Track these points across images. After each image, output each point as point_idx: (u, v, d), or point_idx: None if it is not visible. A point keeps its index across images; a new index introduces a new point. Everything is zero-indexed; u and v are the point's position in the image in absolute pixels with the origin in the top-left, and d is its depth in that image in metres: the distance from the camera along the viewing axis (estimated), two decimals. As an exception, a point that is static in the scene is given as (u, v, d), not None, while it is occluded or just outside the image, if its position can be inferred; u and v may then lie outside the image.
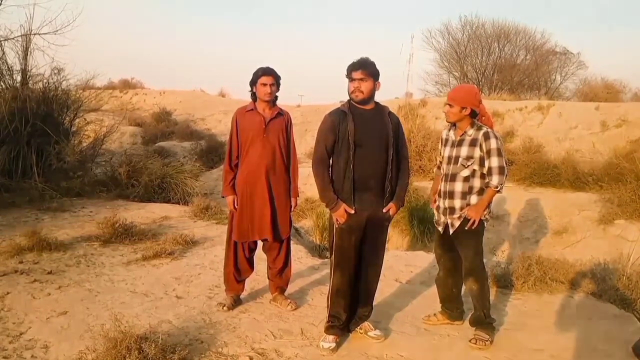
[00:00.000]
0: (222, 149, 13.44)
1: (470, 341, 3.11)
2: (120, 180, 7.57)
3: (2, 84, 7.45)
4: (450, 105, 3.15)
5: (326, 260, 4.92)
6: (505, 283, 4.14)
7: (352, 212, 2.96)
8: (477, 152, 3.10)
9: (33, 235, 4.77)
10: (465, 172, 3.14)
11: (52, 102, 7.54)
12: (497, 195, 3.18)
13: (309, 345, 3.09)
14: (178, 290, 3.99)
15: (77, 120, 8.21)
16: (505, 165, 3.07)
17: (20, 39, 7.45)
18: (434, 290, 3.59)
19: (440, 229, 3.30)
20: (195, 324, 3.34)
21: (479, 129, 3.13)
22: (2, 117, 6.81)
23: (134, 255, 4.80)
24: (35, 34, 7.49)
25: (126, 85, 25.22)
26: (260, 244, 3.70)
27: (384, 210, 3.04)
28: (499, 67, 22.25)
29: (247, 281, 3.79)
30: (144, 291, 3.95)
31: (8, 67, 7.46)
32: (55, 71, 7.71)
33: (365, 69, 2.96)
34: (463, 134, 3.17)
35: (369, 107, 3.05)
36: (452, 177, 3.18)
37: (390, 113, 3.11)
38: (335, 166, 3.03)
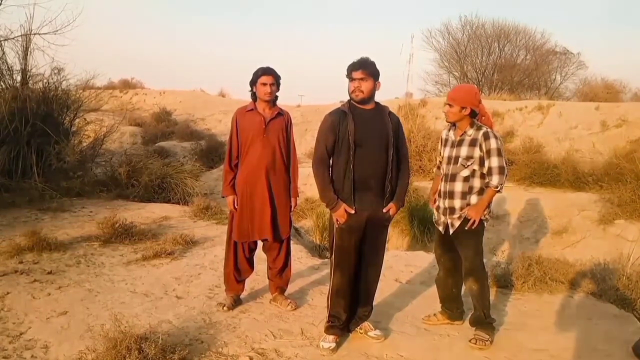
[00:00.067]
0: (222, 149, 13.44)
1: (470, 341, 3.12)
2: (120, 180, 7.57)
3: (2, 84, 7.45)
4: (450, 105, 3.15)
5: (326, 260, 4.92)
6: (505, 283, 4.14)
7: (352, 212, 2.96)
8: (477, 152, 3.10)
9: (33, 235, 4.77)
10: (465, 172, 3.14)
11: (52, 102, 7.54)
12: (497, 195, 3.18)
13: (309, 345, 3.09)
14: (178, 290, 3.99)
15: (77, 120, 8.21)
16: (505, 165, 3.07)
17: (20, 38, 7.46)
18: (434, 290, 3.59)
19: (440, 229, 3.30)
20: (195, 324, 3.34)
21: (479, 129, 3.13)
22: (2, 117, 6.81)
23: (134, 255, 4.80)
24: (35, 34, 7.49)
25: (126, 85, 25.20)
26: (260, 244, 3.70)
27: (384, 210, 3.04)
28: (499, 67, 22.25)
29: (247, 281, 3.79)
30: (144, 291, 3.95)
31: (8, 67, 7.47)
32: (55, 71, 7.72)
33: (365, 69, 2.96)
34: (463, 134, 3.17)
35: (369, 107, 3.05)
36: (452, 177, 3.18)
37: (390, 113, 3.11)
38: (335, 166, 3.03)
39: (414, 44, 24.08)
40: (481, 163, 3.10)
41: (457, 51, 23.05)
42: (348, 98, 3.06)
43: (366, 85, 2.96)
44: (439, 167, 3.42)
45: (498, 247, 7.33)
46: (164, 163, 8.31)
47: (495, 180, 3.05)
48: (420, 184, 9.02)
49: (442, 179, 3.28)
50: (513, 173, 9.57)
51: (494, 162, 3.05)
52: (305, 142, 13.31)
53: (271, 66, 3.53)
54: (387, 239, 3.23)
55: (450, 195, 3.19)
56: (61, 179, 7.31)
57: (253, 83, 3.52)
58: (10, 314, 3.43)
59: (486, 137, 3.07)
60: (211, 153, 13.86)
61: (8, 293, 3.77)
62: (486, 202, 3.10)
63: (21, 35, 7.44)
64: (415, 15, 58.00)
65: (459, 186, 3.16)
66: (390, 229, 3.26)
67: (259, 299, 3.82)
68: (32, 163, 6.95)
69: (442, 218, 3.26)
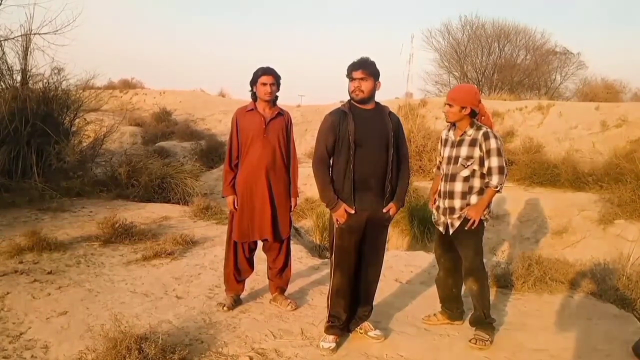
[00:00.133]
0: (222, 149, 13.44)
1: (470, 341, 3.12)
2: (120, 180, 7.56)
3: (2, 84, 7.45)
4: (449, 105, 3.15)
5: (326, 260, 4.92)
6: (505, 283, 4.14)
7: (352, 212, 2.96)
8: (476, 152, 3.10)
9: (33, 235, 4.77)
10: (465, 172, 3.14)
11: (52, 102, 7.54)
12: (497, 195, 3.18)
13: (309, 345, 3.09)
14: (178, 290, 3.99)
15: (77, 120, 8.21)
16: (505, 165, 3.07)
17: (20, 38, 7.45)
18: (434, 290, 3.59)
19: (440, 229, 3.30)
20: (195, 324, 3.34)
21: (479, 129, 3.13)
22: (2, 117, 6.81)
23: (134, 255, 4.80)
24: (35, 34, 7.49)
25: (126, 85, 25.19)
26: (260, 244, 3.70)
27: (384, 211, 3.04)
28: (499, 67, 22.25)
29: (247, 281, 3.79)
30: (144, 291, 3.95)
31: (8, 67, 7.47)
32: (55, 71, 7.72)
33: (365, 69, 2.96)
34: (463, 134, 3.17)
35: (369, 106, 3.05)
36: (452, 177, 3.18)
37: (390, 113, 3.11)
38: (335, 166, 3.03)
39: (414, 44, 24.03)
40: (481, 163, 3.10)
41: (457, 51, 23.05)
42: (348, 98, 3.06)
43: (366, 85, 2.96)
44: (438, 168, 3.42)
45: (498, 247, 7.33)
46: (164, 163, 8.31)
47: (495, 180, 3.05)
48: (420, 184, 9.02)
49: (442, 179, 3.28)
50: (513, 173, 9.57)
51: (494, 162, 3.05)
52: (305, 142, 13.32)
53: (271, 66, 3.53)
54: (387, 239, 3.23)
55: (450, 195, 3.19)
56: (61, 179, 7.31)
57: (253, 83, 3.52)
58: (10, 314, 3.43)
59: (486, 137, 3.07)
60: (211, 153, 13.86)
61: (8, 293, 3.77)
62: (486, 202, 3.10)
63: (21, 35, 7.45)
64: (415, 15, 58.02)
65: (459, 186, 3.16)
66: (390, 229, 3.26)
67: (259, 299, 3.82)
68: (32, 163, 6.95)
69: (442, 218, 3.26)
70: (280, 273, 3.70)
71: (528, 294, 3.99)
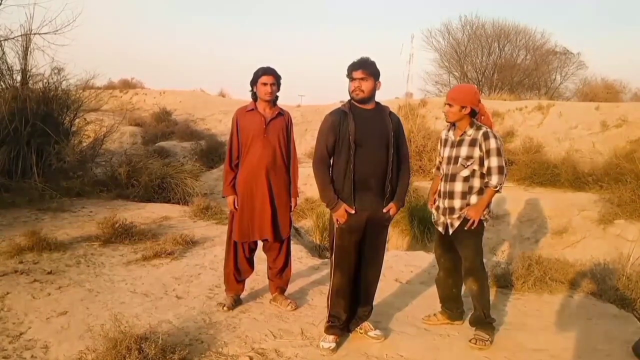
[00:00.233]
0: (222, 149, 13.44)
1: (470, 341, 3.12)
2: (120, 180, 7.57)
3: (2, 83, 7.46)
4: (449, 105, 3.15)
5: (326, 260, 4.92)
6: (505, 283, 4.14)
7: (353, 212, 2.96)
8: (476, 152, 3.10)
9: (33, 235, 4.77)
10: (465, 172, 3.14)
11: (52, 102, 7.54)
12: (497, 195, 3.18)
13: (309, 345, 3.09)
14: (178, 290, 3.99)
15: (77, 120, 8.21)
16: (504, 165, 3.07)
17: (20, 38, 7.46)
18: (434, 290, 3.59)
19: (440, 229, 3.30)
20: (195, 324, 3.34)
21: (479, 128, 3.13)
22: (2, 117, 6.81)
23: (134, 255, 4.80)
24: (35, 34, 7.49)
25: (126, 85, 25.20)
26: (260, 244, 3.70)
27: (384, 211, 3.03)
28: (499, 67, 22.25)
29: (247, 281, 3.79)
30: (144, 291, 3.95)
31: (8, 67, 7.47)
32: (55, 71, 7.73)
33: (365, 69, 2.96)
34: (462, 134, 3.17)
35: (369, 106, 3.05)
36: (452, 177, 3.18)
37: (391, 113, 3.11)
38: (335, 166, 3.03)
39: (414, 44, 24.05)
40: (481, 163, 3.10)
41: (457, 51, 23.06)
42: (348, 98, 3.06)
43: (366, 85, 2.96)
44: (438, 168, 3.42)
45: (498, 247, 7.33)
46: (164, 163, 8.31)
47: (494, 180, 3.05)
48: (420, 184, 9.02)
49: (441, 179, 3.28)
50: (513, 173, 9.57)
51: (494, 162, 3.05)
52: (305, 142, 13.32)
53: (271, 66, 3.53)
54: (387, 239, 3.23)
55: (450, 195, 3.19)
56: (61, 179, 7.31)
57: (253, 83, 3.52)
58: (10, 314, 3.43)
59: (486, 137, 3.07)
60: (211, 153, 13.87)
61: (8, 293, 3.77)
62: (486, 202, 3.10)
63: (21, 35, 7.45)
64: (415, 15, 58.03)
65: (458, 186, 3.16)
66: (390, 229, 3.26)
67: (259, 299, 3.82)
68: (32, 163, 6.95)
69: (442, 218, 3.26)
70: (280, 273, 3.69)
71: (528, 294, 3.99)
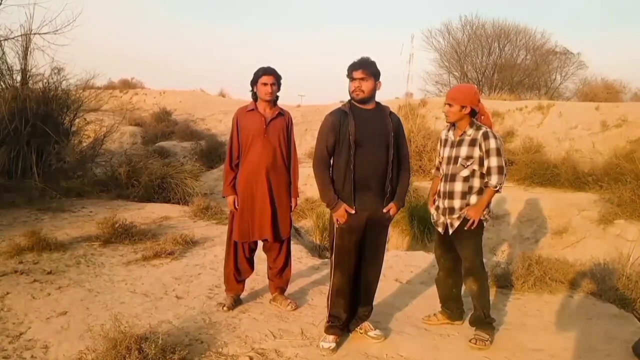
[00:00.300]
0: (222, 149, 13.45)
1: (470, 341, 3.12)
2: (120, 180, 7.57)
3: (2, 83, 7.46)
4: (449, 105, 3.15)
5: (326, 260, 4.92)
6: (505, 283, 4.14)
7: (353, 212, 2.96)
8: (476, 152, 3.10)
9: (33, 236, 4.77)
10: (465, 172, 3.14)
11: (52, 102, 7.55)
12: (497, 195, 3.18)
13: (309, 345, 3.09)
14: (178, 290, 3.99)
15: (77, 120, 8.22)
16: (504, 165, 3.07)
17: (20, 38, 7.46)
18: (434, 290, 3.59)
19: (439, 229, 3.30)
20: (195, 324, 3.34)
21: (478, 128, 3.13)
22: (2, 117, 6.81)
23: (134, 255, 4.80)
24: (35, 34, 7.50)
25: (126, 85, 25.22)
26: (260, 244, 3.70)
27: (385, 211, 3.03)
28: (499, 67, 22.26)
29: (247, 281, 3.79)
30: (144, 291, 3.95)
31: (8, 67, 7.47)
32: (55, 71, 7.73)
33: (366, 69, 2.96)
34: (462, 134, 3.17)
35: (369, 106, 3.04)
36: (452, 177, 3.18)
37: (391, 113, 3.11)
38: (335, 166, 3.03)
39: (414, 44, 24.10)
40: (481, 163, 3.10)
41: (457, 51, 23.06)
42: (349, 98, 3.06)
43: (367, 85, 2.96)
44: (438, 169, 3.42)
45: (498, 247, 7.33)
46: (164, 163, 8.31)
47: (494, 180, 3.05)
48: (420, 184, 9.02)
49: (441, 179, 3.28)
50: (513, 173, 9.58)
51: (493, 162, 3.05)
52: (305, 142, 13.31)
53: (272, 66, 3.53)
54: (387, 239, 3.23)
55: (450, 195, 3.18)
56: (61, 179, 7.32)
57: (254, 83, 3.52)
58: (10, 314, 3.43)
59: (486, 137, 3.07)
60: (211, 153, 13.87)
61: (8, 293, 3.77)
62: (485, 202, 3.10)
63: (21, 35, 7.45)
64: (415, 15, 58.03)
65: (458, 186, 3.16)
66: (390, 229, 3.26)
67: (259, 299, 3.82)
68: (32, 163, 6.96)
69: (442, 218, 3.26)
70: (280, 273, 3.69)
71: (528, 294, 3.99)
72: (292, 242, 4.02)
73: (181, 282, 4.16)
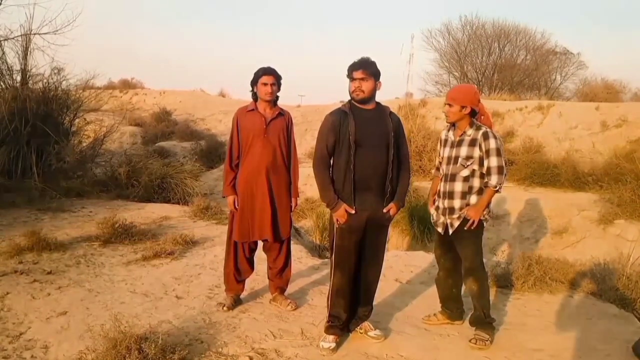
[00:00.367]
0: (222, 149, 13.45)
1: (470, 341, 3.12)
2: (120, 180, 7.57)
3: (2, 84, 7.46)
4: (449, 105, 3.15)
5: (326, 260, 4.92)
6: (505, 283, 4.14)
7: (353, 212, 2.96)
8: (476, 152, 3.10)
9: (33, 236, 4.77)
10: (465, 172, 3.14)
11: (52, 102, 7.55)
12: (497, 195, 3.18)
13: (309, 345, 3.09)
14: (178, 290, 3.99)
15: (77, 120, 8.21)
16: (504, 165, 3.07)
17: (20, 38, 7.46)
18: (434, 290, 3.59)
19: (439, 229, 3.30)
20: (195, 324, 3.34)
21: (478, 128, 3.13)
22: (2, 117, 6.81)
23: (134, 255, 4.80)
24: (35, 34, 7.50)
25: (126, 85, 25.23)
26: (260, 244, 3.70)
27: (385, 211, 3.03)
28: (499, 67, 22.26)
29: (247, 281, 3.79)
30: (144, 291, 3.95)
31: (8, 67, 7.47)
32: (55, 71, 7.73)
33: (366, 69, 2.96)
34: (462, 134, 3.17)
35: (370, 107, 3.04)
36: (452, 177, 3.18)
37: (391, 113, 3.11)
38: (335, 166, 3.03)
39: (414, 44, 24.04)
40: (481, 163, 3.10)
41: (457, 51, 23.06)
42: (349, 98, 3.06)
43: (367, 85, 2.96)
44: (437, 169, 3.42)
45: (498, 247, 7.33)
46: (164, 163, 8.31)
47: (494, 180, 3.05)
48: (420, 184, 9.02)
49: (441, 179, 3.28)
50: (513, 173, 9.58)
51: (493, 162, 3.05)
52: (305, 142, 13.31)
53: (272, 66, 3.53)
54: (387, 239, 3.23)
55: (450, 195, 3.18)
56: (61, 179, 7.31)
57: (254, 83, 3.52)
58: (10, 314, 3.43)
59: (486, 137, 3.07)
60: (211, 153, 13.88)
61: (8, 293, 3.77)
62: (485, 202, 3.10)
63: (21, 35, 7.45)
64: (415, 15, 58.05)
65: (458, 186, 3.16)
66: (390, 229, 3.26)
67: (259, 299, 3.82)
68: (32, 163, 6.95)
69: (442, 218, 3.26)
70: (280, 273, 3.69)
71: (528, 294, 3.99)
72: (292, 242, 4.02)
73: (181, 282, 4.16)
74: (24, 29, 7.46)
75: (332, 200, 2.98)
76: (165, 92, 23.78)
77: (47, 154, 7.19)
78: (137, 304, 3.69)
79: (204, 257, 4.86)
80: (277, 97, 3.58)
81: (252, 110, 3.55)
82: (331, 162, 3.05)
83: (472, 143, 3.12)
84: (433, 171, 3.55)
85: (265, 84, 3.45)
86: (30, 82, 7.57)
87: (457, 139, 3.19)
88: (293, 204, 3.64)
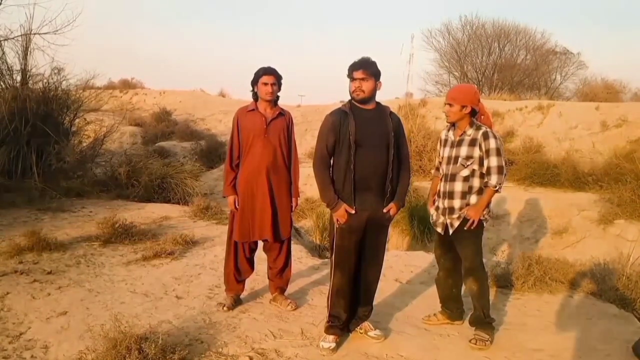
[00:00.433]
0: (222, 149, 13.45)
1: (470, 341, 3.12)
2: (120, 180, 7.57)
3: (2, 83, 7.46)
4: (450, 104, 3.15)
5: (326, 260, 4.92)
6: (505, 283, 4.14)
7: (353, 212, 2.96)
8: (476, 152, 3.10)
9: (33, 235, 4.77)
10: (465, 172, 3.14)
11: (52, 102, 7.55)
12: (497, 195, 3.18)
13: (309, 345, 3.09)
14: (178, 290, 3.99)
15: (77, 120, 8.22)
16: (504, 164, 3.07)
17: (20, 38, 7.46)
18: (434, 290, 3.59)
19: (438, 229, 3.30)
20: (195, 324, 3.34)
21: (478, 128, 3.13)
22: (2, 117, 6.81)
23: (134, 255, 4.80)
24: (35, 34, 7.50)
25: (126, 85, 25.21)
26: (260, 244, 3.70)
27: (385, 211, 3.03)
28: (499, 67, 22.26)
29: (247, 281, 3.79)
30: (144, 291, 3.95)
31: (8, 67, 7.47)
32: (55, 71, 7.73)
33: (366, 69, 2.96)
34: (462, 134, 3.17)
35: (370, 106, 3.04)
36: (452, 177, 3.18)
37: (391, 113, 3.11)
38: (335, 166, 3.03)
39: (414, 44, 24.01)
40: (481, 163, 3.10)
41: (457, 51, 23.07)
42: (349, 98, 3.06)
43: (367, 85, 2.96)
44: (437, 169, 3.42)
45: (498, 247, 7.33)
46: (164, 163, 8.32)
47: (494, 179, 3.05)
48: (421, 184, 9.02)
49: (441, 179, 3.28)
50: (513, 173, 9.57)
51: (493, 161, 3.05)
52: (305, 142, 13.30)
53: (272, 66, 3.53)
54: (387, 239, 3.23)
55: (450, 195, 3.18)
56: (61, 179, 7.31)
57: (254, 83, 3.52)
58: (10, 314, 3.43)
59: (486, 136, 3.07)
60: (211, 153, 13.87)
61: (8, 293, 3.77)
62: (485, 202, 3.10)
63: (21, 35, 7.45)
64: (415, 15, 58.06)
65: (458, 186, 3.16)
66: (390, 229, 3.26)
67: (259, 299, 3.82)
68: (32, 163, 6.96)
69: (441, 218, 3.26)
70: (281, 273, 3.69)
71: (528, 294, 3.99)
72: (292, 242, 4.02)
73: (181, 282, 4.16)
74: (24, 29, 7.47)
75: (332, 200, 2.98)
76: (165, 92, 23.76)
77: (47, 154, 7.19)
78: (137, 304, 3.69)
79: (204, 257, 4.86)
80: (278, 97, 3.58)
81: (253, 110, 3.55)
82: (331, 162, 3.05)
83: (472, 143, 3.12)
84: (433, 171, 3.55)
85: (265, 84, 3.45)
86: (30, 82, 7.58)
87: (457, 138, 3.19)
88: (293, 204, 3.64)
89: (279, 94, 3.56)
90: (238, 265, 3.63)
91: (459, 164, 3.15)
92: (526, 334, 3.31)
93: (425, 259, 5.00)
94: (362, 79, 2.95)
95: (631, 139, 10.42)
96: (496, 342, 3.15)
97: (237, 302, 3.67)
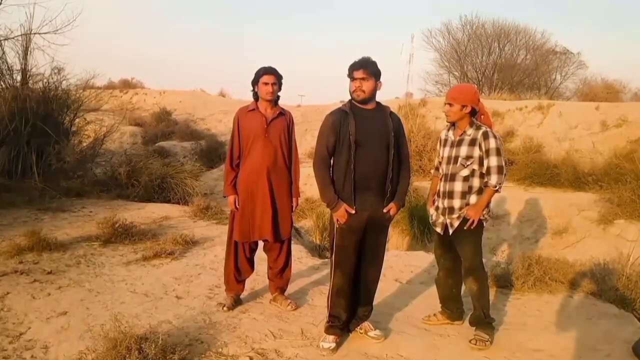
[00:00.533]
0: (222, 149, 13.46)
1: (470, 341, 3.11)
2: (120, 180, 7.57)
3: (2, 83, 7.46)
4: (450, 104, 3.15)
5: (326, 260, 4.92)
6: (505, 283, 4.14)
7: (353, 212, 2.96)
8: (476, 152, 3.10)
9: (33, 235, 4.77)
10: (465, 172, 3.14)
11: (52, 102, 7.55)
12: (497, 195, 3.18)
13: (309, 345, 3.09)
14: (178, 290, 3.99)
15: (77, 120, 8.22)
16: (504, 164, 3.07)
17: (20, 38, 7.47)
18: (434, 290, 3.59)
19: (438, 229, 3.30)
20: (195, 324, 3.34)
21: (478, 128, 3.13)
22: (2, 117, 6.82)
23: (134, 255, 4.80)
24: (35, 34, 7.50)
25: (126, 85, 25.21)
26: (260, 244, 3.69)
27: (385, 211, 3.03)
28: (499, 67, 22.27)
29: (247, 281, 3.79)
30: (144, 291, 3.95)
31: (8, 66, 7.48)
32: (55, 71, 7.74)
33: (366, 69, 2.96)
34: (462, 134, 3.17)
35: (370, 106, 3.04)
36: (452, 177, 3.18)
37: (391, 113, 3.11)
38: (336, 166, 3.03)
39: (414, 43, 23.97)
40: (480, 163, 3.10)
41: (457, 51, 23.07)
42: (349, 98, 3.06)
43: (367, 85, 2.96)
44: (437, 169, 3.42)
45: (498, 247, 7.33)
46: (164, 163, 8.32)
47: (493, 179, 3.05)
48: (421, 184, 9.02)
49: (441, 179, 3.28)
50: (513, 173, 9.57)
51: (493, 161, 3.05)
52: (305, 142, 13.30)
53: (272, 65, 3.53)
54: (387, 239, 3.23)
55: (450, 195, 3.18)
56: (61, 179, 7.32)
57: (255, 82, 3.52)
58: (10, 314, 3.43)
59: (485, 136, 3.07)
60: (211, 153, 13.88)
61: (8, 293, 3.77)
62: (485, 202, 3.09)
63: (21, 35, 7.45)
64: (415, 15, 58.07)
65: (458, 186, 3.16)
66: (390, 229, 3.26)
67: (259, 299, 3.82)
68: (32, 163, 6.96)
69: (441, 218, 3.26)
70: (281, 273, 3.69)
71: (528, 294, 3.99)
72: (292, 242, 4.02)
73: (181, 282, 4.16)
74: (24, 29, 7.48)
75: (333, 200, 2.98)
76: (165, 92, 23.75)
77: (47, 154, 7.20)
78: (137, 304, 3.69)
79: (204, 257, 4.86)
80: (278, 97, 3.58)
81: (253, 110, 3.55)
82: (331, 162, 3.05)
83: (472, 143, 3.12)
84: (432, 171, 3.55)
85: (266, 84, 3.45)
86: (31, 81, 7.58)
87: (457, 138, 3.19)
88: (294, 204, 3.64)
89: (279, 93, 3.56)
90: (238, 265, 3.63)
91: (458, 163, 3.15)
92: (526, 334, 3.31)
93: (425, 259, 5.00)
94: (363, 79, 2.95)
95: (631, 139, 10.42)
96: (496, 342, 3.15)
97: (237, 302, 3.67)
